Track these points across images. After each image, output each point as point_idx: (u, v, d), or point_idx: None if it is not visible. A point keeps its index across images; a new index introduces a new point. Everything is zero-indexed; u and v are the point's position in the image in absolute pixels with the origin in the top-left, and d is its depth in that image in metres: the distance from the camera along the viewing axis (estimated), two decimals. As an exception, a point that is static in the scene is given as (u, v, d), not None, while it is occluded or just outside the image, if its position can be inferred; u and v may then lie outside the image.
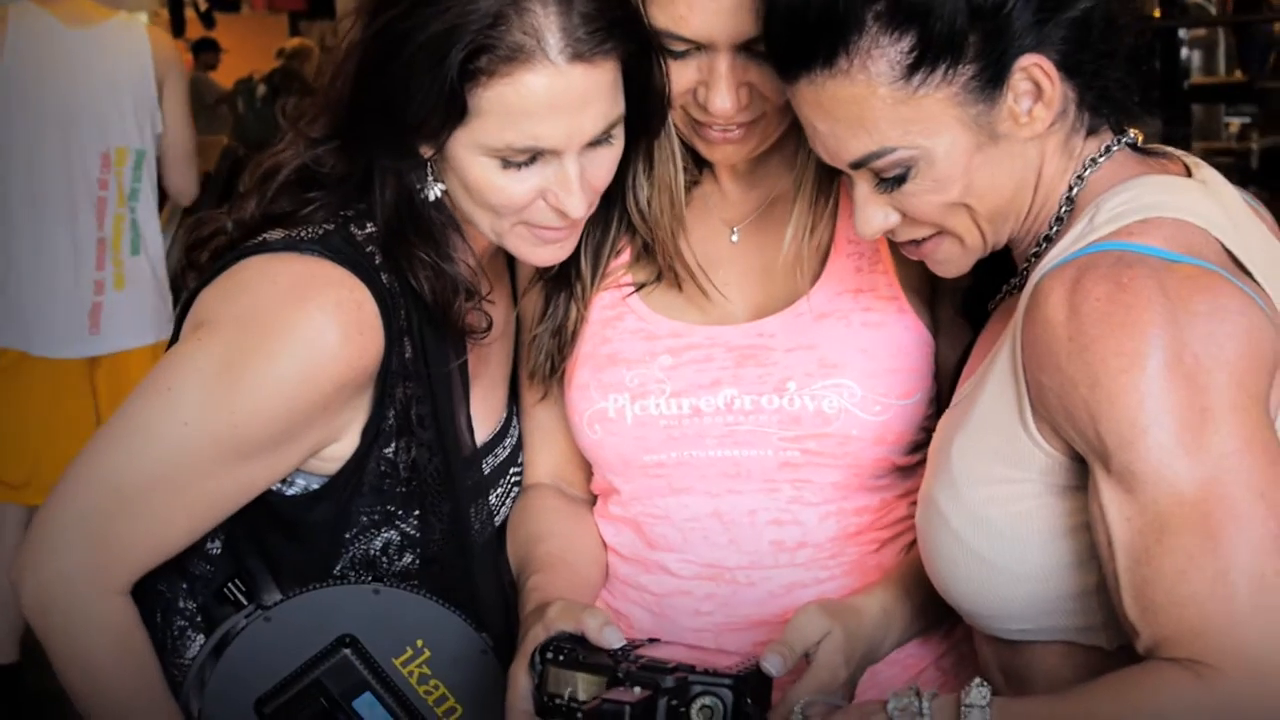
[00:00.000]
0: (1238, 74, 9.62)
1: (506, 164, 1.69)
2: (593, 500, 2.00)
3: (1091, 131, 1.62)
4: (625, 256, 1.93)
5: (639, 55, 1.72)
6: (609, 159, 1.75)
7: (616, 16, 1.69)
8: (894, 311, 1.84)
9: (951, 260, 1.67)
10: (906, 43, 1.53)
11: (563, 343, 1.90)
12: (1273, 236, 1.65)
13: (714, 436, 1.83)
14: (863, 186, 1.62)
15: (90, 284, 4.32)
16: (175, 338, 1.81)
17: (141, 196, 4.41)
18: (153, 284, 4.45)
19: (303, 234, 1.75)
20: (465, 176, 1.72)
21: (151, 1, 13.98)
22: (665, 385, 1.84)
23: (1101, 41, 1.58)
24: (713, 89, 1.75)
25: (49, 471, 4.09)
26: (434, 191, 1.76)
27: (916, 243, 1.66)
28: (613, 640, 1.60)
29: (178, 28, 14.02)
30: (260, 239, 1.77)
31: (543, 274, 1.92)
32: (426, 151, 1.72)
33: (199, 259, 1.83)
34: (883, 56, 1.53)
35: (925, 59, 1.53)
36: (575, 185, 1.70)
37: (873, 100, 1.55)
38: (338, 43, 1.80)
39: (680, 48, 1.75)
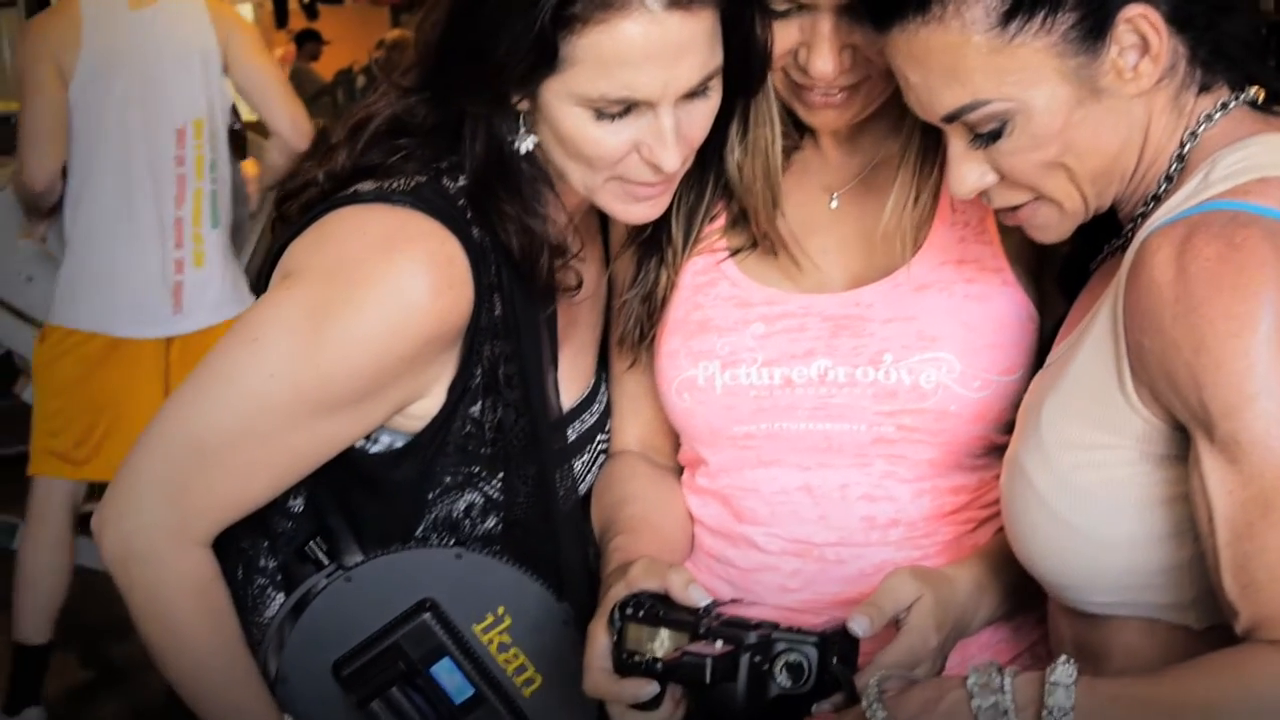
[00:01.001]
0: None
1: (600, 115, 1.65)
2: (679, 471, 1.96)
3: (1205, 88, 1.55)
4: (720, 221, 1.89)
5: (738, 5, 1.67)
6: (705, 112, 1.70)
7: None
8: (998, 284, 1.78)
9: (1050, 225, 1.60)
10: None
11: (652, 309, 1.86)
12: None
13: (805, 408, 1.78)
14: (957, 143, 1.57)
15: (172, 263, 4.35)
16: (264, 288, 1.79)
17: (219, 167, 4.44)
18: (228, 256, 4.48)
19: (395, 185, 1.72)
20: (558, 127, 1.68)
21: (256, -7, 14.13)
22: (757, 354, 1.80)
23: None
24: (814, 51, 1.70)
25: (115, 449, 4.12)
26: (526, 144, 1.73)
27: (1013, 209, 1.60)
28: (698, 599, 1.57)
29: (281, 18, 14.18)
30: (352, 190, 1.75)
31: (635, 237, 1.89)
32: (517, 100, 1.69)
33: (290, 211, 1.80)
34: (978, 3, 1.48)
35: (1022, 6, 1.47)
36: (670, 138, 1.66)
37: (966, 49, 1.49)
38: None
39: (782, 7, 1.71)
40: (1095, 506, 1.49)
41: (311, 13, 14.35)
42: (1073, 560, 1.52)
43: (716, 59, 1.67)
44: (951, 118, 1.54)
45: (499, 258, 1.74)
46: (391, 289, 1.66)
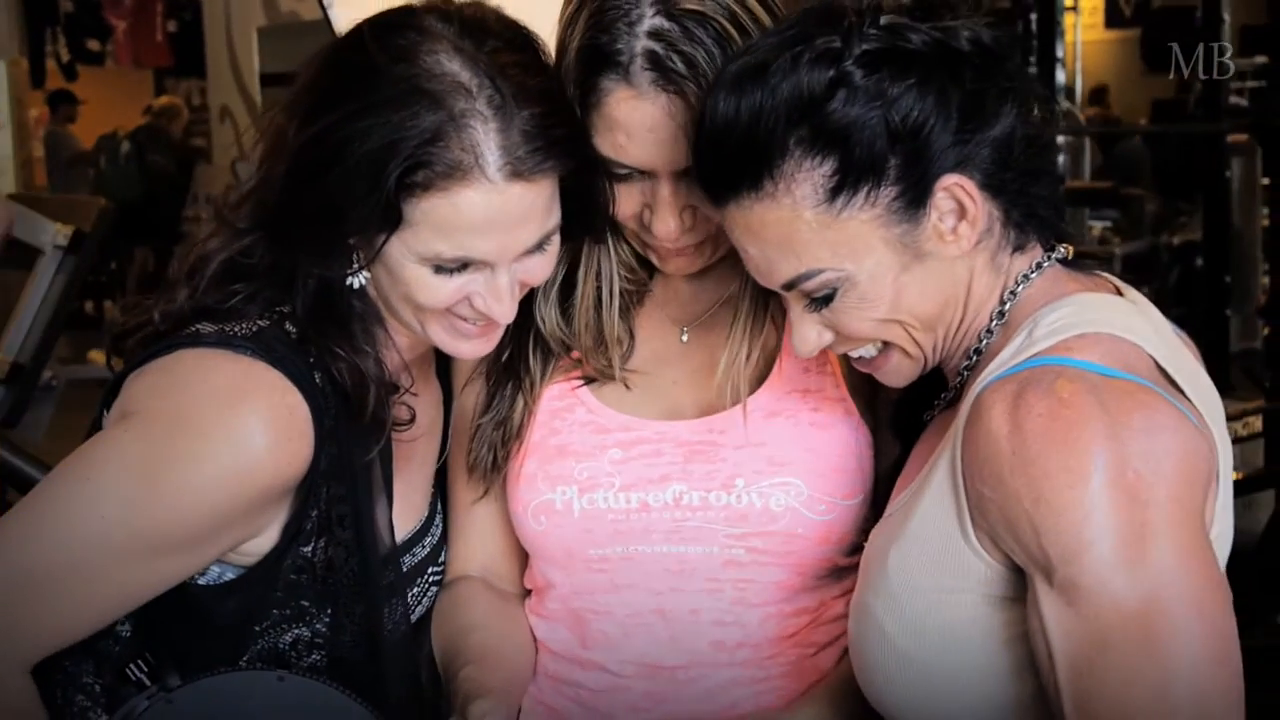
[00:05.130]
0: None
1: (439, 269, 1.66)
2: (524, 595, 1.95)
3: (1019, 248, 1.63)
4: (576, 352, 1.90)
5: (580, 170, 1.70)
6: (542, 264, 1.73)
7: (557, 135, 1.65)
8: (841, 413, 1.84)
9: (901, 371, 1.67)
10: (829, 167, 1.53)
11: (507, 435, 1.87)
12: (1193, 357, 1.67)
13: (660, 532, 1.80)
14: (796, 307, 1.63)
15: None
16: (99, 424, 1.74)
17: None
18: None
19: (237, 329, 1.69)
20: (396, 275, 1.69)
21: (10, 50, 13.70)
22: (615, 479, 1.82)
23: (1024, 160, 1.59)
24: (656, 213, 1.76)
25: None
26: (358, 280, 1.72)
27: (869, 359, 1.67)
28: None
29: (38, 78, 13.79)
30: (194, 330, 1.70)
31: (486, 368, 1.90)
32: (361, 258, 1.69)
33: (125, 348, 1.75)
34: (806, 180, 1.54)
35: (847, 182, 1.53)
36: (505, 294, 1.68)
37: (798, 223, 1.56)
38: (261, 133, 1.76)
39: (622, 171, 1.75)
40: (945, 648, 1.54)
41: (70, 73, 13.99)
42: (925, 700, 1.57)
43: (554, 219, 1.70)
44: (789, 286, 1.60)
45: (336, 401, 1.71)
46: (231, 442, 1.63)
